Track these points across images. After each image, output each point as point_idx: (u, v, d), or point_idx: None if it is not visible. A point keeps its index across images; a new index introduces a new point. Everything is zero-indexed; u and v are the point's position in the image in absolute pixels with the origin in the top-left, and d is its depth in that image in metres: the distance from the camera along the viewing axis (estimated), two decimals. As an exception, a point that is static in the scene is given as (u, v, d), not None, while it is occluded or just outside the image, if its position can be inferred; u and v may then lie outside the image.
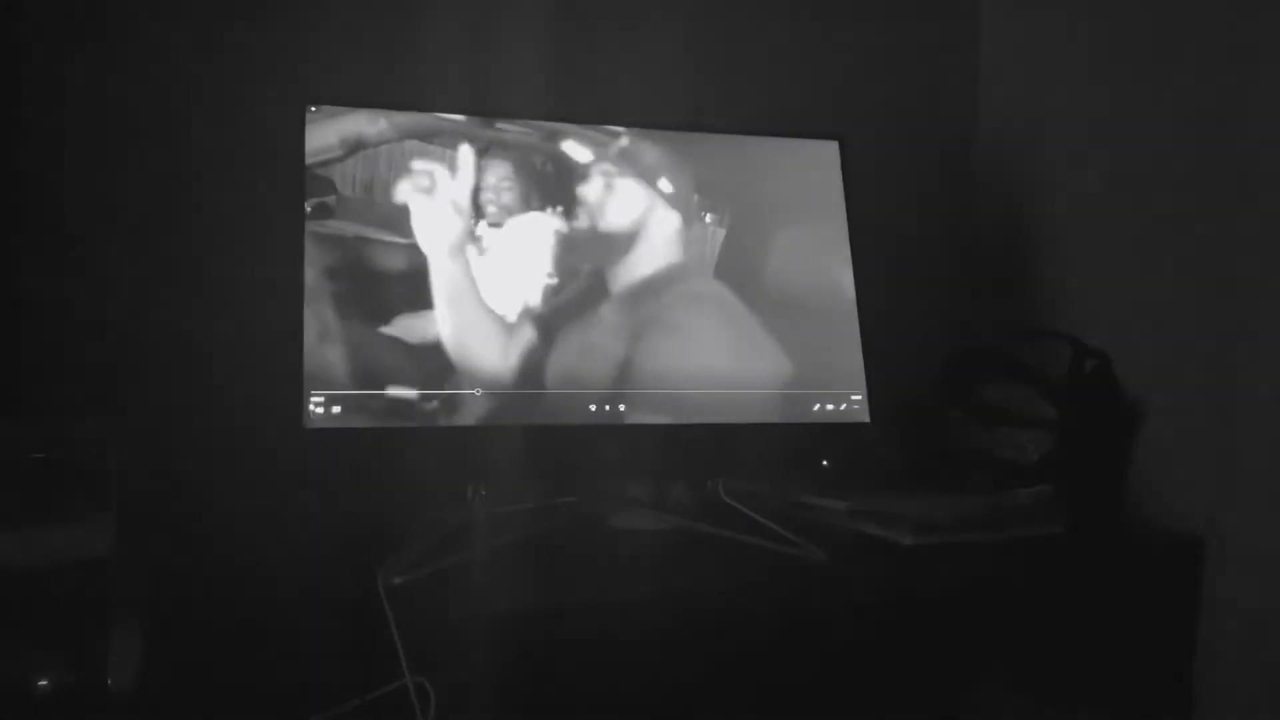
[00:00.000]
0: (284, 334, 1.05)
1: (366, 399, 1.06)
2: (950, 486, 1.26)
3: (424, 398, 1.08)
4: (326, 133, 1.12)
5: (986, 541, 1.16)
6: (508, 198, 1.16)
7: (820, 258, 1.26)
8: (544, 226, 1.17)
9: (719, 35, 1.49)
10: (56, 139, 1.18)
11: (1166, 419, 1.31)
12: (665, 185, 1.22)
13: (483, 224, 1.15)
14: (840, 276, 1.26)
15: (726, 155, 1.26)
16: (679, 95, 1.42)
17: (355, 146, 1.13)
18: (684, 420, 1.16)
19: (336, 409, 1.05)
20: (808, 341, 1.22)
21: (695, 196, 1.23)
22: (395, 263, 1.11)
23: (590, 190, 1.19)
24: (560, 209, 1.18)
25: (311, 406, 1.04)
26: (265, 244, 1.16)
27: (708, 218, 1.23)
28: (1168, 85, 1.33)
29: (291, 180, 1.10)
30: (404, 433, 1.07)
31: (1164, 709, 1.23)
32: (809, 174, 1.29)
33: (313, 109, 1.12)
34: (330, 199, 1.11)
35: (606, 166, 1.21)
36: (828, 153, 1.30)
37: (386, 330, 1.08)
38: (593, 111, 1.26)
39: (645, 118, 1.25)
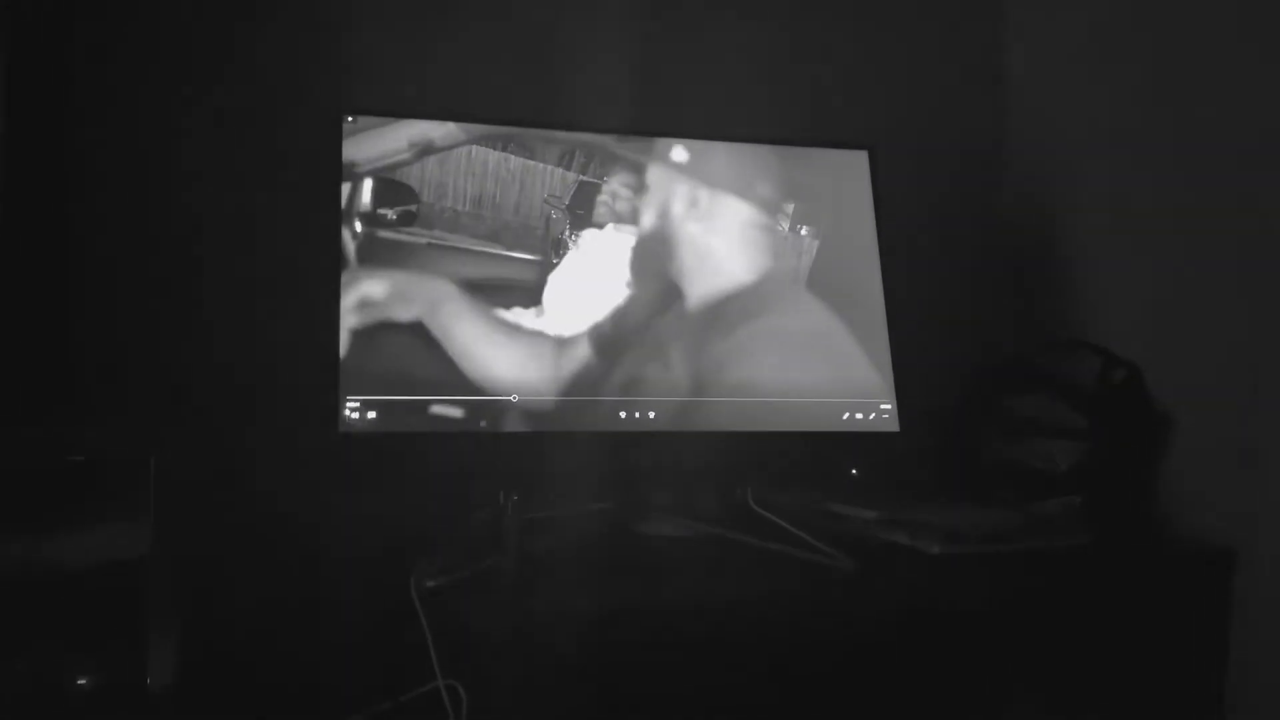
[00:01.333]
0: (320, 339, 1.07)
1: (401, 404, 1.07)
2: (979, 497, 1.26)
3: (458, 404, 1.09)
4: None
5: (1015, 552, 1.15)
6: (556, 207, 1.18)
7: (850, 268, 1.27)
8: (591, 237, 1.18)
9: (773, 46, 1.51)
10: (102, 147, 1.20)
11: (1197, 429, 1.31)
12: (712, 194, 1.23)
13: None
14: (870, 286, 1.26)
15: (762, 165, 1.27)
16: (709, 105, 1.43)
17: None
18: (714, 429, 1.16)
19: (372, 414, 1.06)
20: (838, 351, 1.23)
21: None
22: (441, 266, 1.12)
23: (639, 200, 1.20)
24: (601, 220, 1.19)
25: (347, 411, 1.06)
26: (303, 250, 1.18)
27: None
28: (1200, 92, 1.32)
29: (330, 187, 1.11)
30: (438, 438, 1.08)
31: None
32: (839, 184, 1.29)
33: (350, 119, 1.13)
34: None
35: (660, 175, 1.22)
36: (858, 162, 1.30)
37: (422, 336, 1.10)
38: (642, 122, 1.27)
39: (687, 128, 1.26)
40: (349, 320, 1.08)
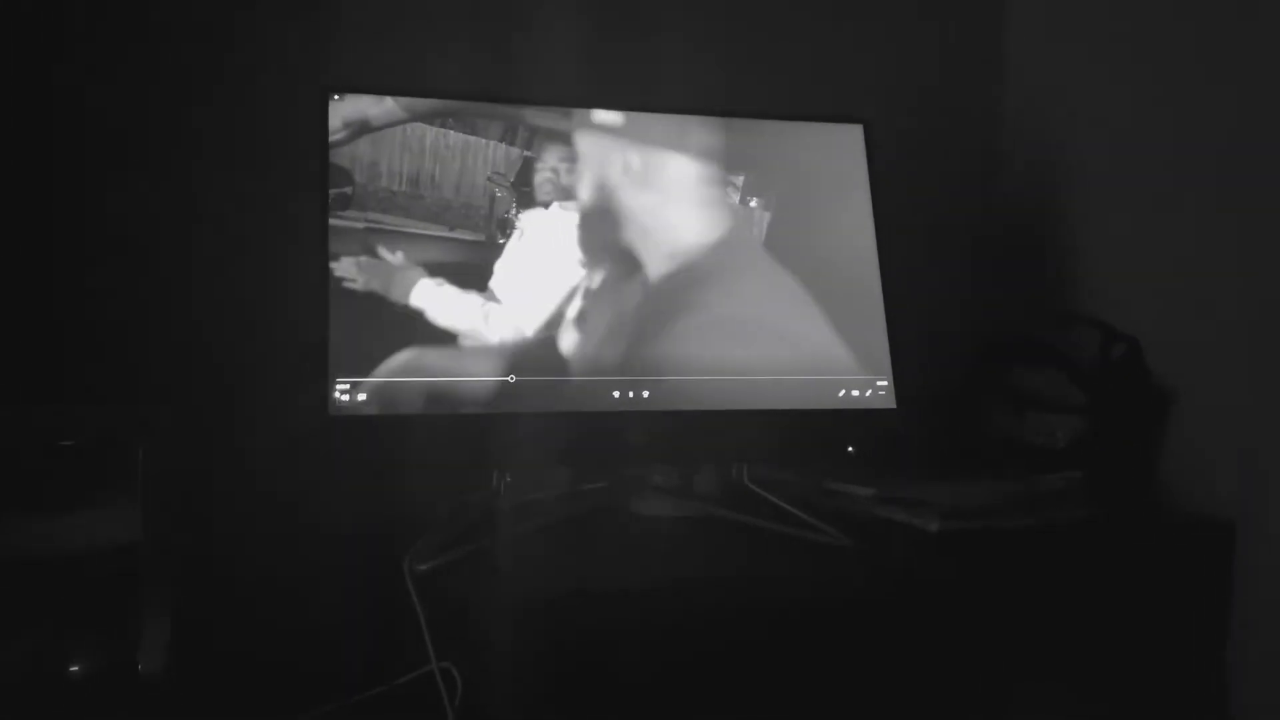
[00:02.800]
0: (309, 321, 1.06)
1: (392, 386, 1.06)
2: (978, 472, 1.25)
3: (450, 385, 1.08)
4: (333, 116, 1.12)
5: (1014, 527, 1.15)
6: (530, 182, 1.16)
7: (845, 244, 1.26)
8: (571, 213, 1.17)
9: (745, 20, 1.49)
10: (85, 133, 1.19)
11: (1197, 403, 1.30)
12: (694, 169, 1.22)
13: (508, 209, 1.15)
14: (865, 262, 1.25)
15: (753, 139, 1.25)
16: (705, 80, 1.41)
17: (360, 129, 1.12)
18: (709, 407, 1.15)
19: (362, 396, 1.05)
20: (833, 327, 1.22)
21: (726, 181, 1.23)
22: (421, 251, 1.11)
23: (618, 174, 1.19)
24: (586, 195, 1.17)
25: (337, 394, 1.05)
26: (290, 232, 1.17)
27: (751, 201, 1.23)
28: (1201, 67, 1.32)
29: (313, 167, 1.10)
30: (429, 419, 1.07)
31: (1198, 694, 1.21)
32: (833, 159, 1.28)
33: (335, 97, 1.12)
34: (346, 189, 1.11)
35: (634, 150, 1.20)
36: (853, 137, 1.29)
37: (411, 316, 1.09)
38: (622, 97, 1.25)
39: (673, 103, 1.24)
40: (336, 304, 1.07)
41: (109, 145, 1.20)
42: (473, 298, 1.11)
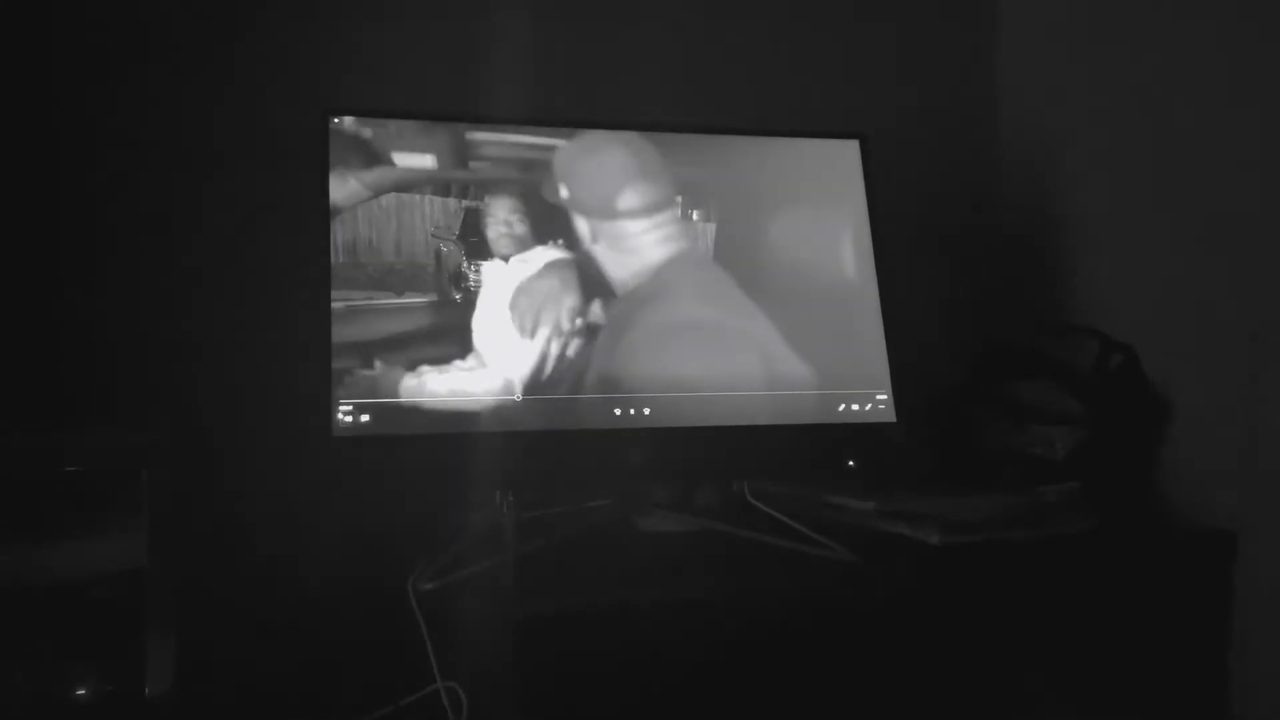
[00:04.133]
0: (312, 344, 1.06)
1: (394, 407, 1.07)
2: (978, 484, 1.25)
3: (452, 405, 1.08)
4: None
5: (1015, 539, 1.15)
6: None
7: (844, 258, 1.26)
8: (556, 247, 1.17)
9: (741, 36, 1.50)
10: (89, 158, 1.20)
11: (1195, 412, 1.30)
12: (686, 188, 1.23)
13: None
14: (864, 276, 1.26)
15: (750, 155, 1.26)
16: (703, 96, 1.42)
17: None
18: (709, 423, 1.16)
19: (365, 417, 1.06)
20: (833, 342, 1.22)
21: (718, 198, 1.23)
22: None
23: (608, 195, 1.20)
24: (566, 233, 1.17)
25: (340, 415, 1.05)
26: (292, 257, 1.18)
27: (746, 219, 1.23)
28: (1194, 76, 1.32)
29: (314, 190, 1.11)
30: (431, 439, 1.07)
31: (1199, 704, 1.22)
32: (831, 174, 1.29)
33: (335, 120, 1.13)
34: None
35: (623, 170, 1.21)
36: (849, 151, 1.30)
37: (412, 340, 1.09)
38: (613, 113, 1.26)
39: (665, 118, 1.25)
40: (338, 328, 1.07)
41: (113, 168, 1.20)
42: (468, 321, 1.11)
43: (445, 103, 1.24)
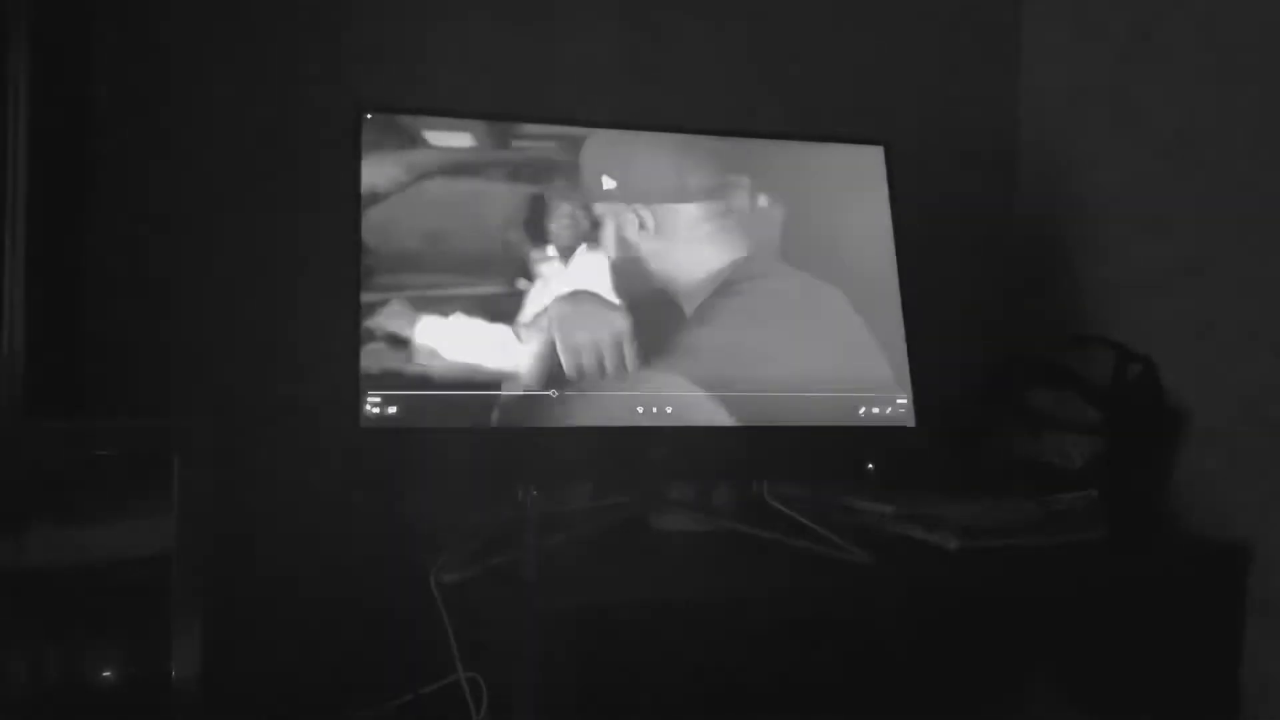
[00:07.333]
0: (341, 334, 1.07)
1: (422, 399, 1.08)
2: (996, 491, 1.26)
3: (479, 399, 1.09)
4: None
5: (1031, 546, 1.15)
6: (545, 225, 1.17)
7: (865, 264, 1.27)
8: (595, 253, 1.18)
9: (769, 41, 1.51)
10: (123, 150, 1.21)
11: (1212, 423, 1.31)
12: (713, 189, 1.24)
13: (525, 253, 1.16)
14: (885, 281, 1.27)
15: (775, 159, 1.27)
16: (729, 101, 1.43)
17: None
18: (730, 423, 1.17)
19: (392, 409, 1.07)
20: (854, 345, 1.23)
21: (747, 201, 1.24)
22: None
23: (652, 188, 1.21)
24: (605, 234, 1.19)
25: (368, 406, 1.06)
26: (323, 246, 1.19)
27: (771, 222, 1.24)
28: (1221, 86, 1.32)
29: (347, 184, 1.12)
30: (457, 433, 1.08)
31: (1211, 713, 1.22)
32: (854, 179, 1.30)
33: (369, 116, 1.14)
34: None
35: (655, 172, 1.22)
36: (873, 158, 1.31)
37: (441, 332, 1.10)
38: (640, 116, 1.27)
39: (693, 124, 1.26)
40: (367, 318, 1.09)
41: (142, 160, 1.22)
42: (500, 329, 1.13)
43: (485, 102, 1.25)
